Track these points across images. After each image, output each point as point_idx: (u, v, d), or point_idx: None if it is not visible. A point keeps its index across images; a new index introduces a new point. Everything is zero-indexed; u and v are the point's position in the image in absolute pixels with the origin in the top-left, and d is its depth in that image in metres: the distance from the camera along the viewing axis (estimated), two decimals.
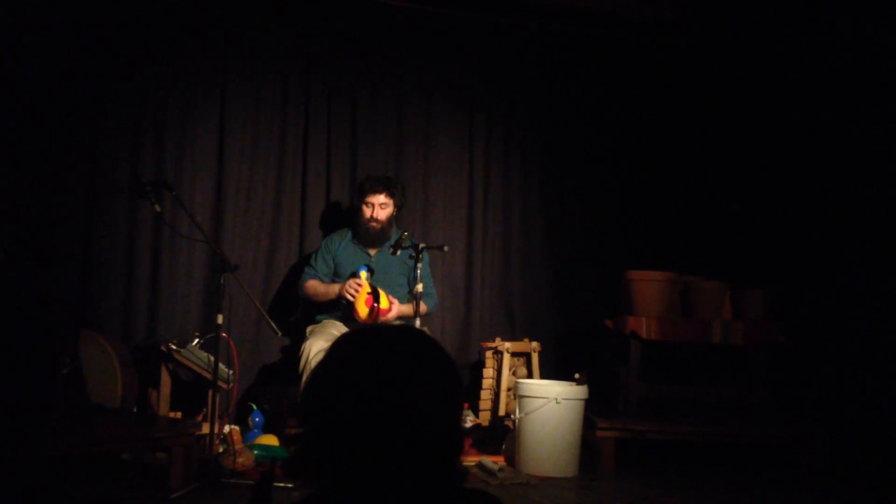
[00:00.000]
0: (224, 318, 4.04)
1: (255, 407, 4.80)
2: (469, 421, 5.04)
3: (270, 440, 4.54)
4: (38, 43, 4.72)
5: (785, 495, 4.26)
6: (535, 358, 5.22)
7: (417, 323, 4.37)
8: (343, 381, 1.26)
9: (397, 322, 4.65)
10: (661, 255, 5.68)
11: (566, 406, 4.37)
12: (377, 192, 4.82)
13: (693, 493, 4.17)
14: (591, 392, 4.50)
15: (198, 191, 5.13)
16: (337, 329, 4.69)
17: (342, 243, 4.97)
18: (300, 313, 5.26)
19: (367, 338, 1.33)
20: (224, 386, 4.39)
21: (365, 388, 1.23)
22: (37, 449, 3.28)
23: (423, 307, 4.52)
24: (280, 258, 5.36)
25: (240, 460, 3.98)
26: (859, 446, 4.69)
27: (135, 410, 4.44)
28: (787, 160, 5.52)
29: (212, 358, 4.13)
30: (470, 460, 4.41)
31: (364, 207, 4.86)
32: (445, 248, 4.84)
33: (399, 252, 4.59)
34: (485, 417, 5.09)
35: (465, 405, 4.98)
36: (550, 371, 5.28)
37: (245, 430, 4.70)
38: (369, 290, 4.58)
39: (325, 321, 4.84)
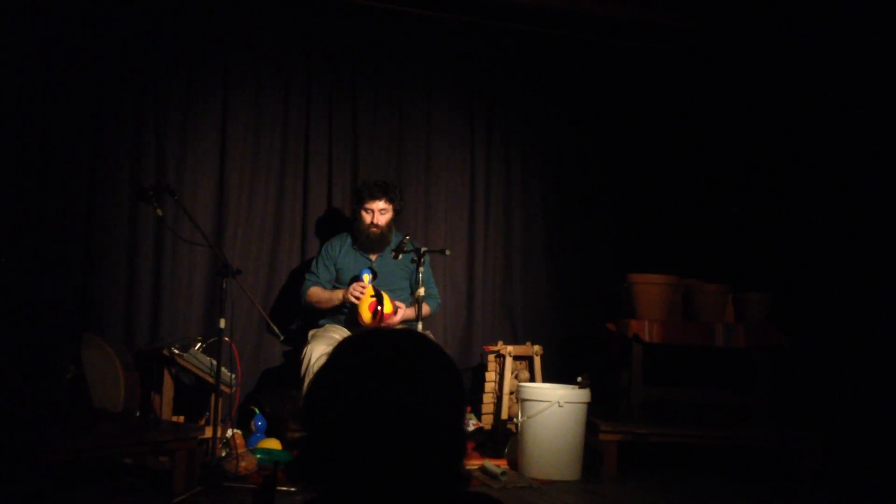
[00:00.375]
0: (226, 322, 4.05)
1: (257, 411, 4.80)
2: (471, 424, 5.04)
3: (273, 444, 4.54)
4: (39, 47, 4.74)
5: (786, 499, 4.26)
6: (537, 361, 5.22)
7: (419, 326, 4.37)
8: (345, 384, 1.26)
9: (399, 325, 4.65)
10: (663, 258, 5.68)
11: (568, 409, 4.37)
12: (376, 198, 4.81)
13: (695, 497, 4.17)
14: (593, 395, 4.50)
15: (199, 194, 5.14)
16: (338, 333, 4.69)
17: (342, 249, 4.96)
18: (302, 317, 5.26)
19: (369, 341, 1.33)
20: (226, 390, 4.39)
21: (367, 392, 1.24)
22: (40, 454, 3.29)
23: (426, 308, 4.53)
24: (282, 262, 5.36)
25: (242, 464, 3.98)
26: (860, 450, 4.68)
27: (137, 415, 4.44)
28: (788, 163, 5.52)
29: (214, 362, 4.13)
30: (472, 464, 4.41)
31: (363, 213, 4.85)
32: (447, 252, 4.84)
33: (401, 256, 4.59)
34: (487, 421, 5.09)
35: (468, 409, 4.98)
36: (552, 374, 5.28)
37: (247, 434, 4.70)
38: (373, 293, 4.58)
39: (326, 325, 4.84)
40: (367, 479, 1.22)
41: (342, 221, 5.40)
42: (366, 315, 4.53)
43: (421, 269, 4.41)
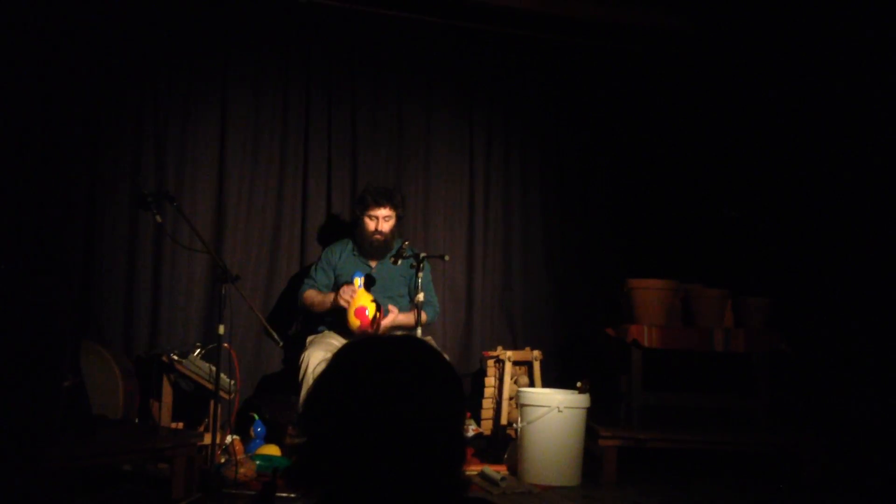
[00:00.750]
0: (225, 329, 4.04)
1: (256, 417, 4.80)
2: (471, 430, 5.03)
3: (272, 450, 4.53)
4: (39, 55, 4.74)
5: (786, 503, 4.26)
6: (536, 366, 5.22)
7: (419, 332, 4.36)
8: (344, 390, 1.26)
9: (399, 332, 4.64)
10: (662, 263, 5.68)
11: (568, 415, 4.37)
12: (381, 205, 4.80)
13: (695, 502, 4.16)
14: (592, 400, 4.50)
15: (199, 201, 5.14)
16: (337, 339, 4.69)
17: (343, 255, 4.96)
18: (301, 324, 5.26)
19: (368, 348, 1.33)
20: (225, 396, 4.39)
21: (366, 398, 1.24)
22: (39, 461, 3.28)
23: (423, 316, 4.52)
24: (281, 268, 5.36)
25: (241, 471, 3.97)
26: (861, 454, 4.68)
27: (136, 421, 4.44)
28: (787, 167, 5.53)
29: (213, 368, 4.13)
30: (472, 469, 4.40)
31: (367, 220, 4.84)
32: (446, 258, 4.83)
33: (400, 261, 4.59)
34: (487, 426, 5.08)
35: (467, 414, 4.98)
36: (552, 380, 5.27)
37: (247, 440, 4.69)
38: (371, 298, 4.55)
39: (325, 331, 4.83)
40: (367, 485, 1.21)
41: (341, 227, 5.40)
42: (352, 320, 4.50)
43: (420, 274, 4.41)
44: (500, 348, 5.21)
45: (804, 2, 5.27)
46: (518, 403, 4.59)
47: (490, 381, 5.13)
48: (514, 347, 5.42)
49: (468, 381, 5.46)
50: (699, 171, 6.11)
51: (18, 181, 4.70)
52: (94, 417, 4.08)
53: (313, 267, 5.02)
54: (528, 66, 5.94)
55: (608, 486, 4.40)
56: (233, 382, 4.49)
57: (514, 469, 4.51)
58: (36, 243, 4.73)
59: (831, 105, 5.19)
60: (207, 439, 4.01)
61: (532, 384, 5.13)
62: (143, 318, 4.96)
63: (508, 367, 5.06)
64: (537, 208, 5.94)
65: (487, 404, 5.12)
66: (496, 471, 4.33)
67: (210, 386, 4.24)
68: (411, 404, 1.24)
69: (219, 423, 4.00)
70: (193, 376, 4.44)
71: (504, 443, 4.81)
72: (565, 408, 4.36)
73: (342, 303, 4.58)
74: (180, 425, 4.49)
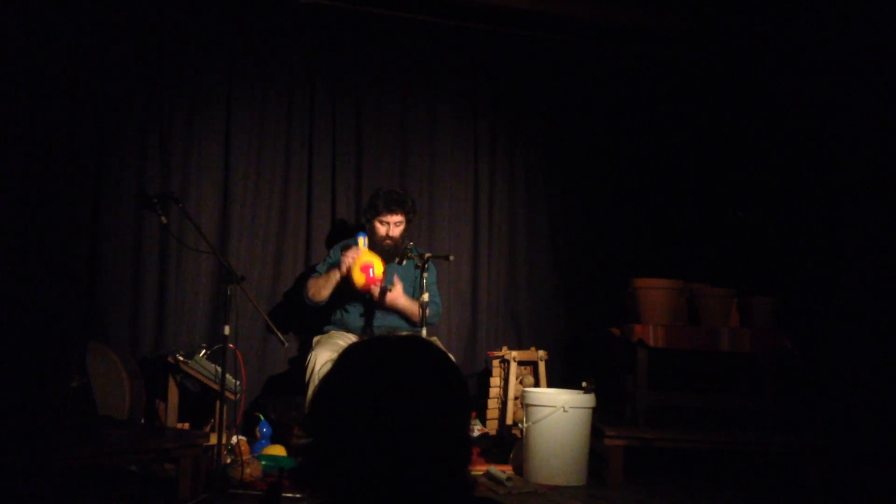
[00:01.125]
0: (231, 329, 4.05)
1: (262, 417, 4.81)
2: (476, 430, 5.04)
3: (278, 451, 4.54)
4: (44, 55, 4.75)
5: None
6: (541, 366, 5.22)
7: (424, 332, 4.37)
8: (350, 390, 1.26)
9: (404, 332, 4.63)
10: (668, 262, 5.68)
11: (574, 414, 4.36)
12: (393, 212, 4.79)
13: (701, 502, 4.15)
14: (598, 400, 4.50)
15: (204, 202, 5.15)
16: (343, 340, 4.69)
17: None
18: (307, 324, 5.26)
19: (374, 348, 1.33)
20: (231, 397, 4.39)
21: (372, 398, 1.24)
22: (45, 462, 3.29)
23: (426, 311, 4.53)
24: (286, 268, 5.36)
25: (248, 471, 3.98)
26: (868, 455, 4.67)
27: (142, 422, 4.45)
28: (794, 167, 5.52)
29: (219, 369, 4.14)
30: (478, 469, 4.40)
31: (379, 225, 4.83)
32: (451, 258, 4.83)
33: (405, 261, 4.59)
34: (492, 426, 5.09)
35: (473, 414, 4.98)
36: (557, 379, 5.27)
37: (253, 440, 4.70)
38: (370, 258, 4.54)
39: (331, 331, 4.84)
40: (373, 486, 1.22)
41: (346, 227, 5.41)
42: (357, 276, 4.49)
43: (425, 274, 4.41)
44: (505, 348, 5.21)
45: (807, 2, 5.26)
46: (523, 403, 4.59)
47: (495, 380, 5.13)
48: (520, 347, 5.41)
49: (473, 381, 5.46)
50: (704, 170, 6.10)
51: (24, 183, 4.71)
52: (101, 418, 4.10)
53: (321, 263, 5.01)
54: (532, 66, 5.94)
55: (614, 486, 4.40)
56: (238, 383, 4.50)
57: (520, 469, 4.51)
58: (41, 245, 4.74)
59: (837, 105, 5.18)
60: (213, 440, 4.02)
61: (537, 384, 5.13)
62: (148, 319, 4.96)
63: (514, 367, 5.06)
64: (542, 209, 5.94)
65: (493, 404, 5.12)
66: (502, 471, 4.33)
67: (216, 386, 4.25)
68: (417, 404, 1.24)
69: (225, 424, 4.01)
70: (199, 377, 4.45)
71: (509, 443, 4.81)
72: (571, 408, 4.36)
73: (347, 261, 4.57)
74: (186, 426, 4.49)
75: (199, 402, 4.68)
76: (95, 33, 4.90)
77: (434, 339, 4.81)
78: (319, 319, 4.97)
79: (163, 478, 4.06)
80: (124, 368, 4.28)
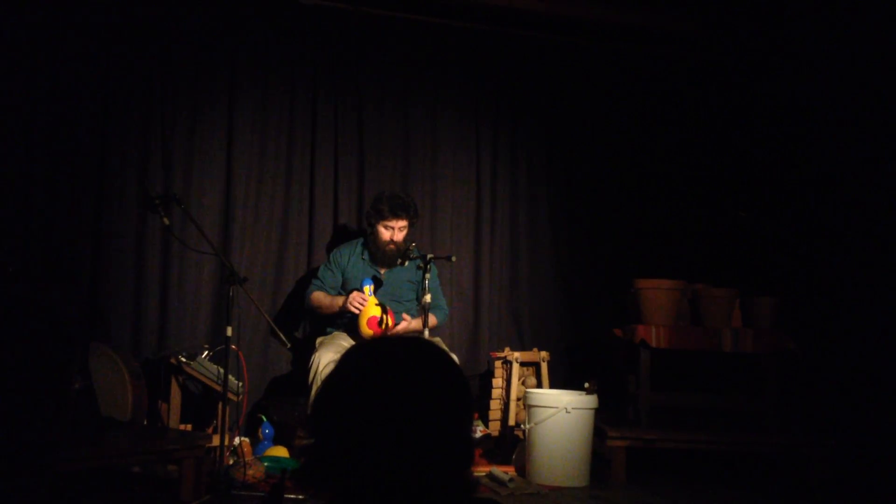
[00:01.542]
0: (233, 331, 4.05)
1: (264, 419, 4.81)
2: (479, 431, 5.03)
3: (280, 452, 4.54)
4: (46, 58, 4.76)
5: None
6: (544, 367, 5.21)
7: (426, 334, 4.37)
8: (353, 392, 1.27)
9: (407, 333, 4.64)
10: (670, 263, 5.67)
11: (576, 415, 4.36)
12: (398, 217, 4.80)
13: (704, 503, 4.15)
14: (600, 401, 4.49)
15: (206, 203, 5.15)
16: (346, 341, 4.69)
17: (352, 257, 4.96)
18: (309, 325, 5.27)
19: (376, 349, 1.33)
20: (234, 398, 4.40)
21: (375, 400, 1.24)
22: (48, 464, 3.29)
23: (432, 319, 4.53)
24: (288, 269, 5.37)
25: (250, 472, 3.98)
26: (870, 455, 4.66)
27: (145, 423, 4.45)
28: (796, 168, 5.52)
29: (221, 370, 4.14)
30: (480, 470, 4.40)
31: (382, 230, 4.84)
32: (453, 259, 4.84)
33: (407, 263, 4.59)
34: (494, 427, 5.08)
35: (475, 415, 4.98)
36: (560, 380, 5.27)
37: (255, 441, 4.70)
38: (376, 302, 4.56)
39: (334, 333, 4.84)
40: (375, 487, 1.22)
41: (348, 229, 5.41)
42: (364, 329, 4.52)
43: (427, 276, 4.41)
44: (507, 349, 5.20)
45: (811, 2, 5.26)
46: (526, 404, 4.59)
47: (498, 382, 5.13)
48: (522, 348, 5.41)
49: (476, 382, 5.46)
50: (707, 170, 6.09)
51: (26, 184, 4.71)
52: (103, 419, 4.10)
53: (321, 268, 5.03)
54: (534, 67, 5.94)
55: (616, 487, 4.40)
56: (241, 384, 4.50)
57: (522, 470, 4.51)
58: (44, 246, 4.75)
59: (840, 105, 5.17)
60: (216, 441, 4.03)
61: (540, 385, 5.12)
62: (151, 321, 4.97)
63: (516, 367, 5.06)
64: (544, 209, 5.94)
65: (495, 405, 5.12)
66: (504, 472, 4.33)
67: (218, 388, 4.25)
68: (419, 406, 1.24)
69: (227, 425, 4.01)
70: (202, 378, 4.45)
71: (512, 444, 4.81)
72: (573, 409, 4.36)
73: (352, 309, 4.59)
74: (189, 427, 4.49)
75: (202, 403, 4.68)
76: (98, 34, 4.90)
77: (437, 339, 4.81)
78: (322, 320, 4.98)
79: (165, 479, 4.06)
80: (127, 370, 4.28)
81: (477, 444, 4.83)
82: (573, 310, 5.90)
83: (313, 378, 4.45)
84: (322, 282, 4.93)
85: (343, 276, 4.93)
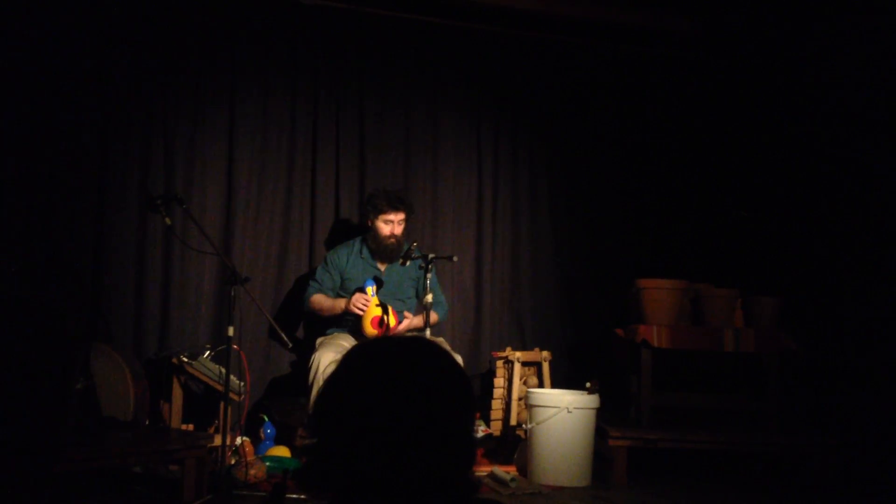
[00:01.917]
0: (235, 330, 4.05)
1: (266, 418, 4.81)
2: (480, 431, 5.03)
3: (282, 452, 4.54)
4: (48, 57, 4.76)
5: None
6: (545, 367, 5.21)
7: (428, 333, 4.37)
8: (354, 391, 1.27)
9: (408, 333, 4.65)
10: (672, 263, 5.67)
11: (578, 415, 4.36)
12: (397, 209, 4.83)
13: (705, 503, 4.15)
14: (602, 401, 4.49)
15: (207, 203, 5.15)
16: (347, 341, 4.70)
17: (350, 258, 4.96)
18: (310, 325, 5.27)
19: (378, 349, 1.33)
20: (235, 398, 4.40)
21: (376, 399, 1.24)
22: (50, 464, 3.29)
23: (434, 317, 4.54)
24: (290, 270, 5.37)
25: (252, 472, 3.98)
26: (872, 455, 4.66)
27: (147, 423, 4.45)
28: (799, 167, 5.51)
29: (223, 370, 4.14)
30: (482, 470, 4.40)
31: (382, 224, 4.86)
32: (455, 259, 4.85)
33: (408, 263, 4.59)
34: (496, 427, 5.08)
35: (477, 415, 4.98)
36: (561, 380, 5.27)
37: (257, 441, 4.70)
38: (377, 302, 4.57)
39: (335, 333, 4.85)
40: (377, 487, 1.22)
41: (350, 228, 5.41)
42: (369, 330, 4.54)
43: (429, 275, 4.41)
44: (509, 349, 5.20)
45: (811, 2, 5.25)
46: (527, 404, 4.59)
47: (499, 381, 5.13)
48: (524, 348, 5.41)
49: (477, 382, 5.46)
50: (708, 170, 6.09)
51: (28, 185, 4.72)
52: (105, 420, 4.10)
53: (318, 270, 5.03)
54: (535, 67, 5.94)
55: (618, 487, 4.39)
56: (242, 384, 4.50)
57: (524, 470, 4.51)
58: (46, 246, 4.75)
59: (840, 104, 5.17)
60: (218, 441, 4.02)
61: (541, 385, 5.12)
62: (152, 321, 4.97)
63: (517, 367, 5.06)
64: (545, 209, 5.94)
65: (497, 405, 5.11)
66: (506, 472, 4.33)
67: (220, 387, 4.25)
68: (421, 405, 1.24)
69: (229, 425, 4.01)
70: (203, 378, 4.45)
71: (513, 443, 4.81)
72: (575, 408, 4.36)
73: (355, 310, 4.60)
74: (190, 427, 4.50)
75: (204, 403, 4.68)
76: (99, 35, 4.91)
77: (440, 339, 4.82)
78: (323, 321, 4.98)
79: (167, 479, 4.07)
80: (128, 370, 4.28)
81: (479, 444, 4.83)
82: (575, 309, 5.89)
83: (314, 378, 4.46)
84: (320, 284, 4.93)
85: (342, 276, 4.94)
